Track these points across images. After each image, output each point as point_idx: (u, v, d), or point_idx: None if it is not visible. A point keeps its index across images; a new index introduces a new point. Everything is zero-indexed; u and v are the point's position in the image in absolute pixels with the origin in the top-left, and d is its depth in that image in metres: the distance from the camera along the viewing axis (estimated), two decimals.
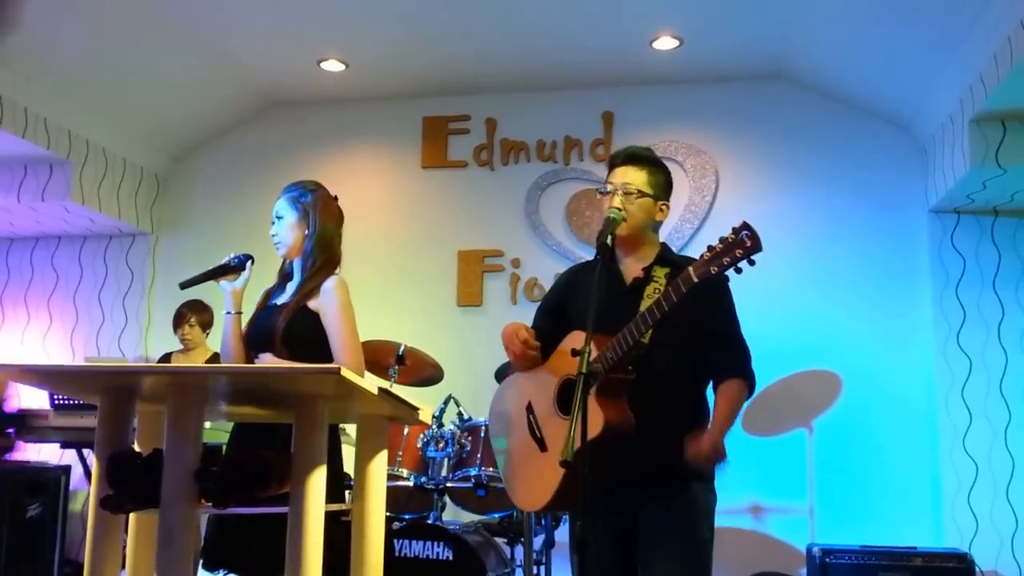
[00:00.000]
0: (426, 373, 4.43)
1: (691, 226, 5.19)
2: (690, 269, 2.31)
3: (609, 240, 2.47)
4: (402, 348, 4.24)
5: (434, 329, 5.31)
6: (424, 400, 4.39)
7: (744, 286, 4.81)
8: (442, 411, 4.21)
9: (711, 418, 2.47)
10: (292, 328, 2.77)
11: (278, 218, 2.91)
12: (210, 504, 2.02)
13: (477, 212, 5.48)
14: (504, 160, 5.49)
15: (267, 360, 2.73)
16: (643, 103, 5.38)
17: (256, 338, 2.83)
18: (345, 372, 1.93)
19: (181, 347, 4.97)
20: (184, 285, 2.80)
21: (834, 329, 4.86)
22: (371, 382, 2.22)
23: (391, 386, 4.27)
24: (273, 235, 2.92)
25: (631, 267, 2.58)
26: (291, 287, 2.91)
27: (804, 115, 5.17)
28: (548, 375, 2.61)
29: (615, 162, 2.67)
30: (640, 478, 2.42)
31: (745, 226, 2.28)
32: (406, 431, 4.12)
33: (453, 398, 4.25)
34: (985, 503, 4.55)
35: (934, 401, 4.74)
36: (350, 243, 5.44)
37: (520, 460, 2.61)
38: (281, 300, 2.90)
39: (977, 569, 4.11)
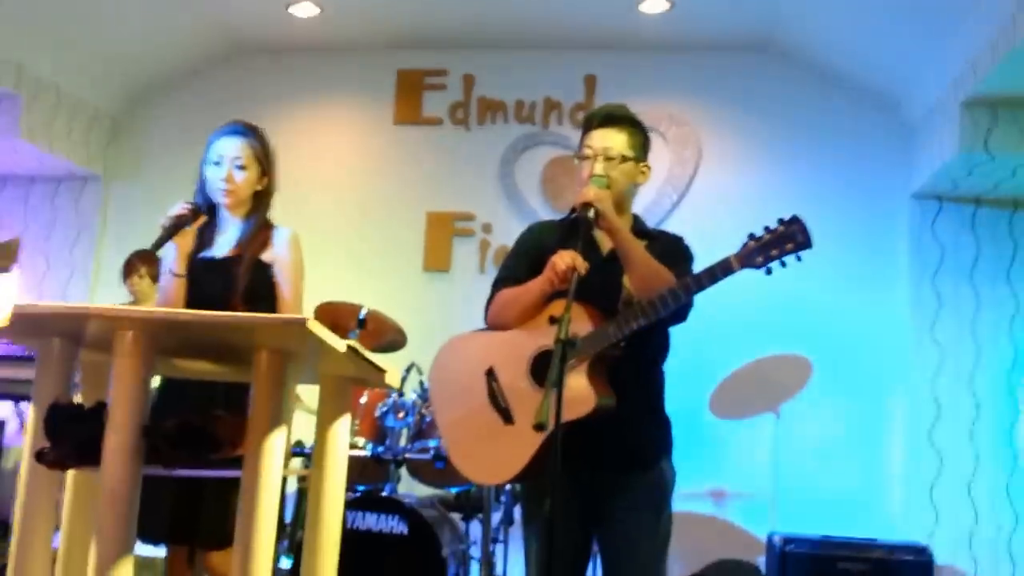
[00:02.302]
0: (388, 338, 4.45)
1: (670, 199, 5.26)
2: (732, 257, 2.33)
3: (592, 214, 2.40)
4: (364, 311, 4.27)
5: (398, 293, 5.33)
6: (389, 366, 4.53)
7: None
8: (404, 379, 4.22)
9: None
10: (252, 284, 2.74)
11: (239, 167, 2.80)
12: (157, 465, 1.94)
13: (449, 172, 5.50)
14: (481, 119, 5.51)
15: None
16: (627, 68, 5.40)
17: (206, 297, 2.72)
18: (311, 324, 1.87)
19: (130, 299, 5.01)
20: (155, 247, 2.66)
21: (808, 312, 4.99)
22: (341, 341, 2.14)
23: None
24: (226, 182, 2.79)
25: (608, 236, 2.55)
26: (225, 240, 2.84)
27: (791, 90, 5.23)
28: (521, 339, 2.52)
29: (592, 123, 2.60)
30: (609, 456, 2.44)
31: (796, 220, 2.33)
32: (364, 398, 4.14)
33: (416, 366, 4.29)
34: (947, 497, 4.70)
35: (903, 392, 4.89)
36: (314, 198, 5.55)
37: (476, 430, 2.53)
38: (220, 253, 2.82)
39: (935, 563, 4.31)
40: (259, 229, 2.84)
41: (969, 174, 4.58)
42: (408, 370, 4.30)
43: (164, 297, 2.76)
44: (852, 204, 5.11)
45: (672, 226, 5.14)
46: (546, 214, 5.34)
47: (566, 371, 2.21)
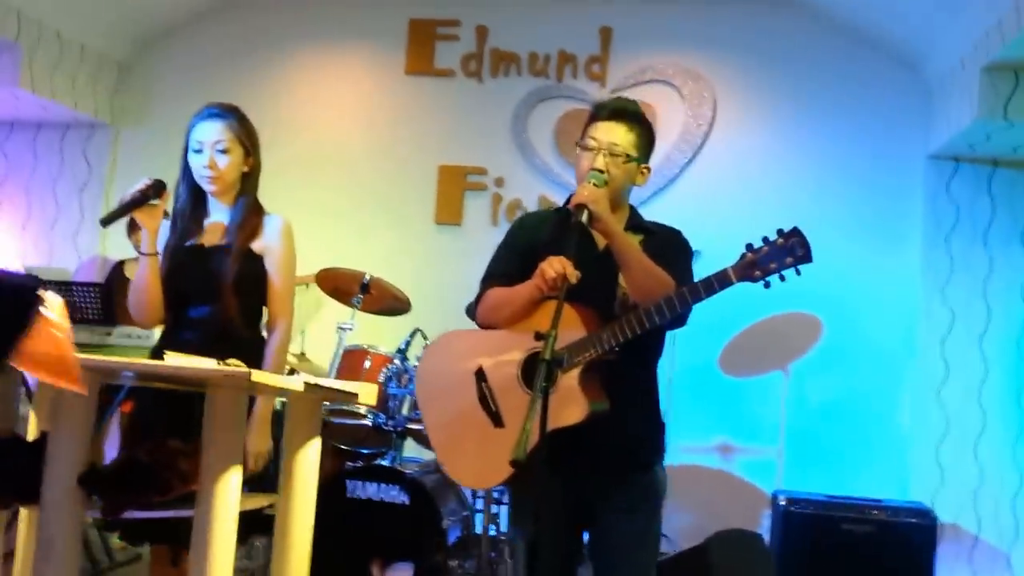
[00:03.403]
0: (391, 304, 4.55)
1: (684, 156, 5.31)
2: (730, 269, 2.32)
3: (585, 217, 2.36)
4: (367, 278, 4.35)
5: (409, 247, 5.44)
6: (393, 330, 4.66)
7: (733, 220, 5.08)
8: (408, 344, 4.28)
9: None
10: (242, 274, 2.74)
11: (222, 152, 2.77)
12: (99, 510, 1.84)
13: (462, 125, 5.53)
14: (494, 72, 5.52)
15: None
16: (643, 21, 5.40)
17: (193, 285, 2.73)
18: (257, 376, 1.81)
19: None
20: (105, 222, 2.66)
21: (820, 270, 5.05)
22: (299, 378, 2.11)
23: (353, 317, 4.43)
24: (210, 168, 2.77)
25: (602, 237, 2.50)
26: (213, 227, 2.83)
27: (810, 46, 5.23)
28: (512, 340, 2.49)
29: (600, 115, 2.55)
30: (603, 459, 2.45)
31: (796, 232, 2.32)
32: (368, 363, 4.19)
33: (420, 331, 4.35)
34: (952, 457, 4.84)
35: (913, 351, 4.99)
36: (323, 148, 5.62)
37: (465, 432, 2.51)
38: (208, 241, 2.81)
39: (939, 522, 4.48)
40: (249, 215, 2.82)
41: (987, 139, 4.64)
42: (412, 335, 4.36)
43: (138, 280, 2.72)
44: (868, 163, 5.17)
45: (685, 185, 5.33)
46: (559, 168, 5.42)
47: (558, 376, 2.25)
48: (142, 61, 5.96)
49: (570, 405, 2.33)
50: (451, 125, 5.57)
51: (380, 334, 4.82)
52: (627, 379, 2.45)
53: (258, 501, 2.38)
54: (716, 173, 5.29)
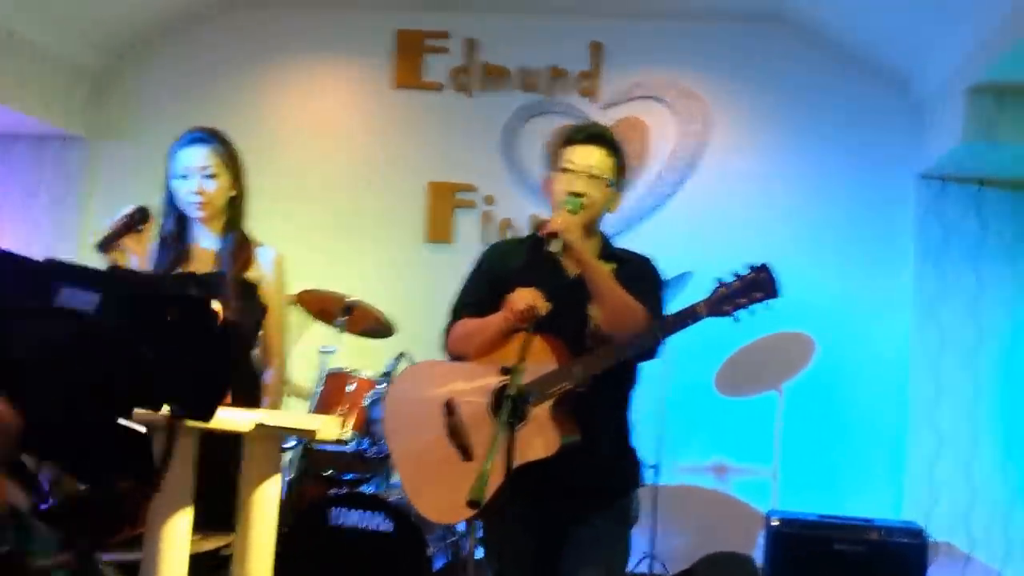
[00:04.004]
0: (374, 327, 4.53)
1: (677, 174, 5.34)
2: (700, 305, 2.37)
3: (558, 247, 2.36)
4: (350, 299, 4.34)
5: (399, 265, 5.41)
6: (380, 353, 4.63)
7: (724, 239, 5.13)
8: (393, 367, 4.24)
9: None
10: (240, 305, 2.72)
11: (209, 177, 2.77)
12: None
13: (450, 140, 5.50)
14: (483, 86, 5.50)
15: None
16: (635, 37, 5.42)
17: None
18: (204, 424, 1.75)
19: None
20: (102, 246, 2.64)
21: (813, 290, 5.13)
22: (248, 415, 2.07)
23: (336, 339, 4.39)
24: (198, 195, 2.76)
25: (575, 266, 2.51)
26: (203, 255, 2.82)
27: (801, 64, 5.29)
28: (482, 371, 2.47)
29: (577, 138, 2.54)
30: (572, 493, 2.45)
31: (765, 268, 2.36)
32: (353, 387, 4.15)
33: (405, 354, 4.30)
34: (946, 476, 4.93)
35: (905, 371, 5.07)
36: (309, 162, 5.57)
37: (433, 465, 2.48)
38: (198, 269, 2.79)
39: (931, 540, 4.55)
40: (242, 246, 2.82)
41: (974, 159, 4.73)
42: (398, 358, 4.32)
43: None
44: (858, 183, 5.24)
45: (677, 203, 5.35)
46: None
47: (528, 409, 2.28)
48: (118, 73, 5.82)
49: (541, 438, 2.35)
50: (440, 140, 5.54)
51: (366, 357, 4.80)
52: (599, 411, 2.47)
53: (213, 543, 2.34)
54: (708, 191, 5.33)
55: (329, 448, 4.24)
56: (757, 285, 2.34)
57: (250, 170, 2.93)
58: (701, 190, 5.33)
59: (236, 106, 5.47)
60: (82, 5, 5.29)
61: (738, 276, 2.36)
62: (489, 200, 5.45)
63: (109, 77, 5.84)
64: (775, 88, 5.35)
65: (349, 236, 5.49)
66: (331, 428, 2.45)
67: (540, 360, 2.37)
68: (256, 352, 2.93)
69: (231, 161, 2.82)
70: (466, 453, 2.43)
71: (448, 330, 2.62)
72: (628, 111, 5.43)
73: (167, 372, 1.53)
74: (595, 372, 2.37)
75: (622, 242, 5.00)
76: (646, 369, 2.60)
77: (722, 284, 2.37)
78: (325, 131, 5.62)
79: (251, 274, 2.80)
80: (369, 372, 4.28)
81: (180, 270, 2.78)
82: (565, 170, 2.50)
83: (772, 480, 5.02)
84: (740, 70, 5.38)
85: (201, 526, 2.13)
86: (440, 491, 2.45)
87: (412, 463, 2.54)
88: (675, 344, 2.65)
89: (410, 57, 5.60)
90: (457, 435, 2.45)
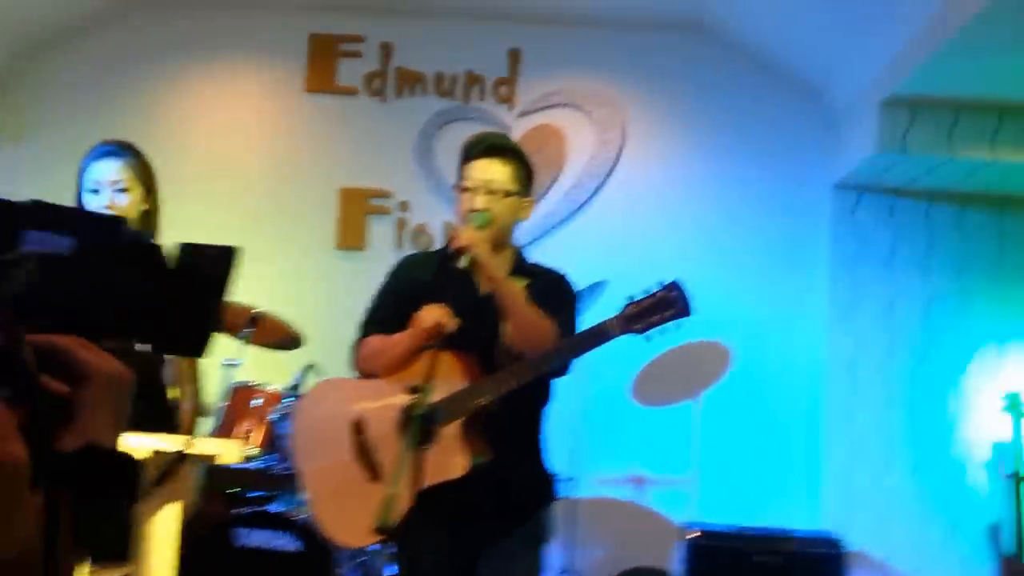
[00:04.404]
0: (282, 339, 4.41)
1: (594, 181, 5.30)
2: (611, 323, 2.35)
3: (466, 262, 2.34)
4: (256, 311, 4.22)
5: (310, 272, 5.27)
6: (288, 365, 4.51)
7: (640, 248, 5.13)
8: (301, 380, 4.13)
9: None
10: None
11: (121, 191, 2.72)
12: None
13: (364, 146, 5.39)
14: (399, 91, 5.41)
15: None
16: (552, 44, 5.39)
17: None
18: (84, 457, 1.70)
19: None
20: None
21: (729, 299, 5.15)
22: (144, 441, 2.01)
23: (241, 352, 4.20)
24: (110, 209, 2.70)
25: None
26: None
27: (720, 74, 5.32)
28: (391, 390, 2.43)
29: (473, 153, 2.53)
30: (484, 513, 2.44)
31: (677, 286, 2.34)
32: (259, 401, 4.06)
33: (314, 367, 4.17)
34: (861, 485, 4.95)
35: (821, 379, 5.10)
36: (217, 169, 5.42)
37: (341, 486, 2.44)
38: None
39: (848, 550, 4.57)
40: None
41: (888, 170, 4.80)
42: (306, 371, 4.20)
43: None
44: (774, 192, 5.27)
45: (594, 211, 5.33)
46: None
47: (437, 429, 2.24)
48: (16, 75, 5.60)
49: (451, 458, 2.31)
50: (353, 146, 5.43)
51: (273, 370, 4.66)
52: (510, 429, 2.45)
53: (108, 575, 2.24)
54: (625, 199, 5.31)
55: (234, 465, 4.09)
56: (668, 303, 2.33)
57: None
58: (618, 198, 5.32)
59: (140, 110, 5.31)
60: None
61: (649, 294, 2.35)
62: (404, 206, 5.35)
63: (7, 80, 5.61)
64: (692, 97, 5.37)
65: (256, 243, 5.26)
66: (232, 452, 2.40)
67: (450, 378, 2.35)
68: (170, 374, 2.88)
69: (143, 174, 2.79)
70: (375, 474, 2.39)
71: (356, 347, 2.58)
72: (545, 118, 5.40)
73: (148, 307, 1.45)
74: (506, 390, 2.34)
75: (537, 249, 5.03)
76: (561, 378, 2.56)
77: (632, 302, 2.35)
78: (233, 136, 5.47)
79: None
80: (276, 386, 4.18)
81: None
82: (465, 188, 2.49)
83: (690, 491, 5.00)
84: (658, 79, 5.39)
85: (97, 557, 2.05)
86: (348, 513, 2.40)
87: (320, 484, 2.49)
88: (591, 353, 2.59)
89: (323, 61, 5.49)
90: (366, 455, 2.42)
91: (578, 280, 3.31)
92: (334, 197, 5.38)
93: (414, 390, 2.14)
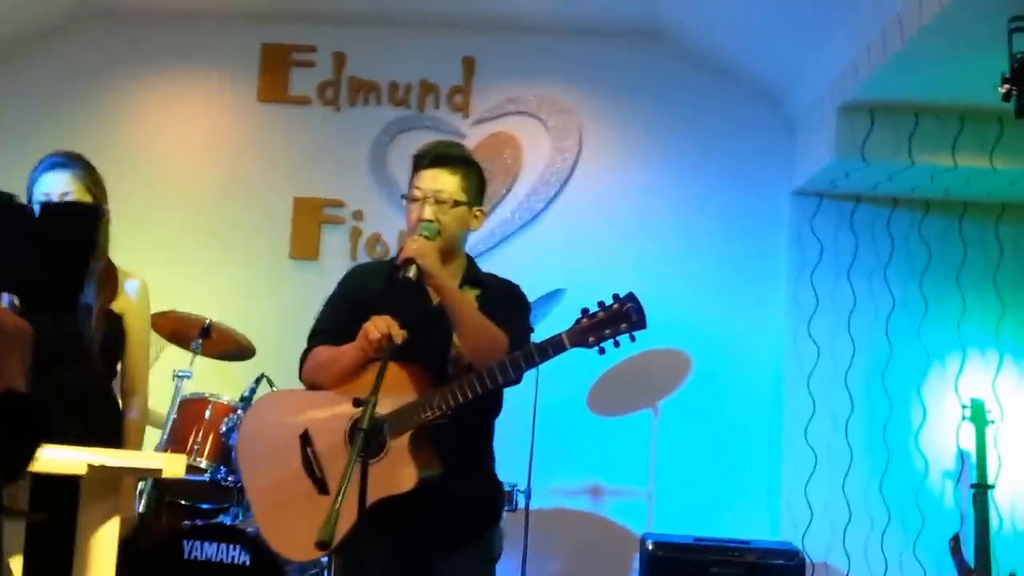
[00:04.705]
0: (234, 349, 4.40)
1: (550, 190, 5.26)
2: (564, 335, 2.33)
3: (414, 272, 2.32)
4: (208, 322, 4.23)
5: (263, 282, 5.22)
6: (240, 376, 4.46)
7: (597, 256, 5.09)
8: (252, 391, 4.11)
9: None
10: (105, 338, 2.71)
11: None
12: None
13: (318, 156, 5.35)
14: (352, 100, 5.37)
15: None
16: (508, 52, 5.36)
17: (56, 348, 2.50)
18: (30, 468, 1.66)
19: None
20: None
21: (687, 306, 5.08)
22: (80, 455, 1.99)
23: (192, 363, 4.21)
24: None
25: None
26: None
27: (677, 80, 5.28)
28: (339, 401, 2.41)
29: (422, 163, 2.52)
30: (433, 529, 2.41)
31: (632, 298, 2.32)
32: (208, 413, 4.03)
33: (266, 377, 4.17)
34: (821, 495, 4.88)
35: (780, 388, 5.03)
36: (169, 178, 5.35)
37: (288, 499, 2.41)
38: None
39: (808, 561, 4.51)
40: (107, 274, 2.76)
41: (847, 176, 4.77)
42: (258, 381, 4.18)
43: None
44: (734, 198, 5.22)
45: (550, 219, 5.27)
46: None
47: (386, 441, 2.24)
48: None
49: (399, 472, 2.28)
50: (307, 155, 5.38)
51: (224, 380, 4.60)
52: (460, 442, 2.41)
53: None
54: (582, 207, 5.27)
55: (185, 477, 4.04)
56: (623, 316, 2.31)
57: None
58: (574, 206, 5.27)
59: (90, 119, 5.27)
60: None
61: (603, 307, 2.33)
62: (358, 216, 5.30)
63: None
64: (650, 104, 5.33)
65: (208, 253, 5.28)
66: (176, 466, 2.35)
67: (399, 390, 2.32)
68: (117, 385, 2.89)
69: (93, 186, 2.79)
70: (323, 487, 2.36)
71: (304, 358, 2.55)
72: (501, 127, 5.37)
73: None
74: (456, 402, 2.31)
75: (493, 258, 4.99)
76: (515, 388, 2.50)
77: (586, 315, 2.33)
78: (184, 146, 5.42)
79: (117, 305, 2.76)
80: (227, 397, 4.16)
81: None
82: (413, 198, 2.48)
83: (648, 501, 4.94)
84: (615, 86, 5.36)
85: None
86: (295, 527, 2.36)
87: (267, 497, 2.46)
88: (546, 362, 2.54)
89: (275, 71, 5.45)
90: (313, 468, 2.39)
91: (534, 289, 3.30)
92: (287, 207, 5.34)
93: (360, 403, 2.11)
